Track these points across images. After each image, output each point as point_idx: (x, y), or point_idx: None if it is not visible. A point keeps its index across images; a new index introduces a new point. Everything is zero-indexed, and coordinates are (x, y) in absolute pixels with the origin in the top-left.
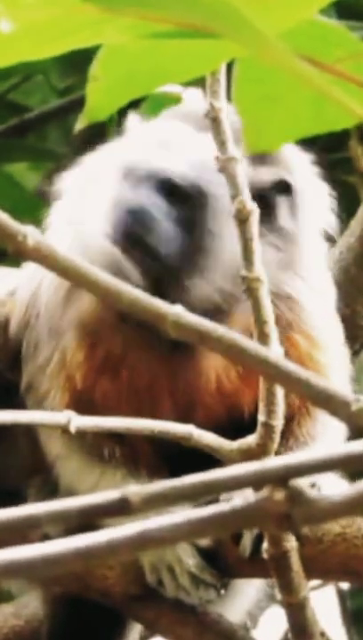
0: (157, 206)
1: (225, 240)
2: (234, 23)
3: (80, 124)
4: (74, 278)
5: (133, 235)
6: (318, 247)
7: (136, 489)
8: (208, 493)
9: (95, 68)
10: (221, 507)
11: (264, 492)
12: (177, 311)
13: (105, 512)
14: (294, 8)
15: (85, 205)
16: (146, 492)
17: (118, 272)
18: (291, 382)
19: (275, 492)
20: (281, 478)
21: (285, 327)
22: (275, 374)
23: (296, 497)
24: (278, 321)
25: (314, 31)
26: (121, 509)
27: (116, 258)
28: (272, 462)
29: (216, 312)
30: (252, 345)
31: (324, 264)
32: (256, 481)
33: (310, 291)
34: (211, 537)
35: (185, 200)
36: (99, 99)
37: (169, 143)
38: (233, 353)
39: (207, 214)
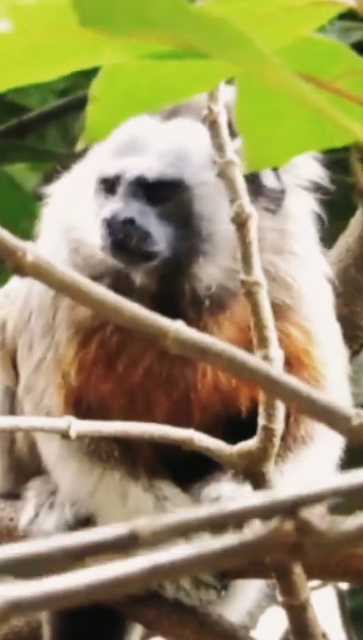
0: (135, 210)
1: (219, 222)
2: (234, 43)
3: (81, 145)
4: (73, 294)
5: (118, 244)
6: (308, 222)
7: (145, 522)
8: (217, 526)
9: (95, 89)
10: (231, 538)
11: (273, 523)
12: (177, 327)
13: (114, 547)
14: (292, 25)
15: (75, 215)
16: (155, 526)
17: (127, 280)
18: (291, 396)
19: (284, 522)
20: (290, 509)
21: (280, 318)
22: (275, 389)
23: (306, 527)
24: (273, 309)
25: (312, 48)
26: (130, 544)
27: (119, 267)
28: (281, 493)
29: (226, 292)
30: (252, 359)
31: (316, 244)
32: (265, 512)
33: (306, 273)
34: (221, 568)
35: (165, 194)
36: (99, 118)
37: (136, 141)
38: (234, 367)
39: (193, 200)
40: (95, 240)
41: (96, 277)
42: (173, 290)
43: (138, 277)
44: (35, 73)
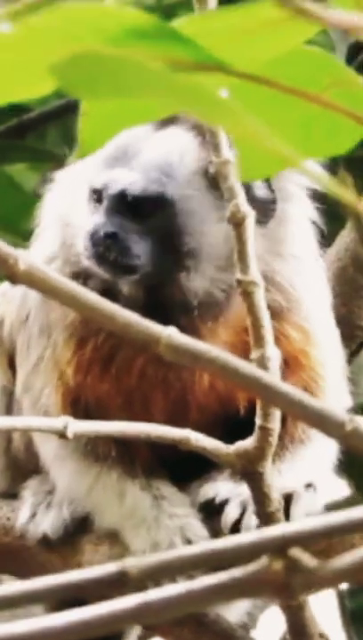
0: (116, 224)
1: (204, 235)
2: (213, 106)
3: (76, 157)
4: (65, 301)
5: (99, 256)
6: (305, 226)
7: (134, 561)
8: (206, 564)
9: (84, 105)
10: (221, 577)
11: (263, 562)
12: (170, 333)
13: (103, 585)
14: (280, 39)
15: (72, 213)
16: (144, 565)
17: (115, 289)
18: (285, 402)
19: (273, 561)
20: (279, 547)
21: (278, 319)
22: (268, 395)
23: (295, 566)
24: (271, 311)
25: (300, 60)
26: (119, 582)
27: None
28: (271, 531)
29: (214, 301)
30: (244, 365)
31: (315, 246)
32: (255, 550)
33: (303, 276)
34: (211, 605)
35: (147, 209)
36: (91, 133)
37: (126, 152)
38: (227, 373)
39: (177, 215)
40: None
41: (87, 278)
42: (160, 300)
43: (124, 288)
44: (33, 86)
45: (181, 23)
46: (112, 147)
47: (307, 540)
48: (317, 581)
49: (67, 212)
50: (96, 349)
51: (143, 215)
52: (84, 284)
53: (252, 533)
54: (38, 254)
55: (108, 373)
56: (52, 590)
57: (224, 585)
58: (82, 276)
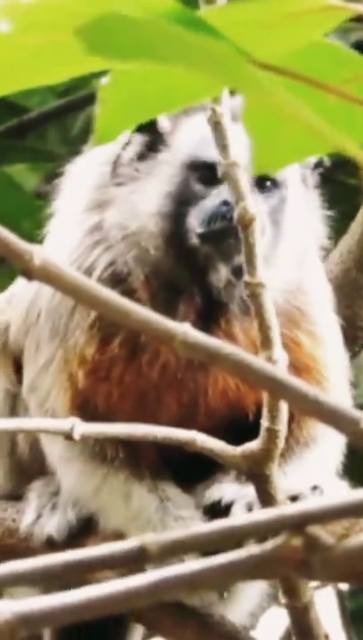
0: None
1: (293, 227)
2: (236, 71)
3: (91, 146)
4: (81, 297)
5: (232, 229)
6: (310, 228)
7: (154, 538)
8: (225, 541)
9: (103, 92)
10: (239, 554)
11: (281, 539)
12: (185, 330)
13: (123, 561)
14: (301, 31)
15: (137, 208)
16: (163, 541)
17: (179, 281)
18: (298, 399)
19: (292, 538)
20: (298, 525)
21: (293, 326)
22: (282, 392)
23: (314, 544)
24: (289, 317)
25: (320, 53)
26: (139, 558)
27: (204, 252)
28: (289, 509)
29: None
30: (259, 362)
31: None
32: (273, 527)
33: (315, 278)
34: (229, 583)
35: (270, 188)
36: (108, 122)
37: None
38: (241, 371)
39: (285, 202)
40: (180, 228)
41: (148, 273)
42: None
43: (223, 272)
44: (38, 76)
45: (204, 14)
46: (195, 129)
47: (326, 518)
48: (336, 559)
49: (128, 212)
50: (118, 349)
51: (267, 195)
52: (151, 271)
53: (271, 511)
54: (74, 238)
55: (127, 372)
56: (72, 566)
57: (243, 562)
58: (150, 263)
